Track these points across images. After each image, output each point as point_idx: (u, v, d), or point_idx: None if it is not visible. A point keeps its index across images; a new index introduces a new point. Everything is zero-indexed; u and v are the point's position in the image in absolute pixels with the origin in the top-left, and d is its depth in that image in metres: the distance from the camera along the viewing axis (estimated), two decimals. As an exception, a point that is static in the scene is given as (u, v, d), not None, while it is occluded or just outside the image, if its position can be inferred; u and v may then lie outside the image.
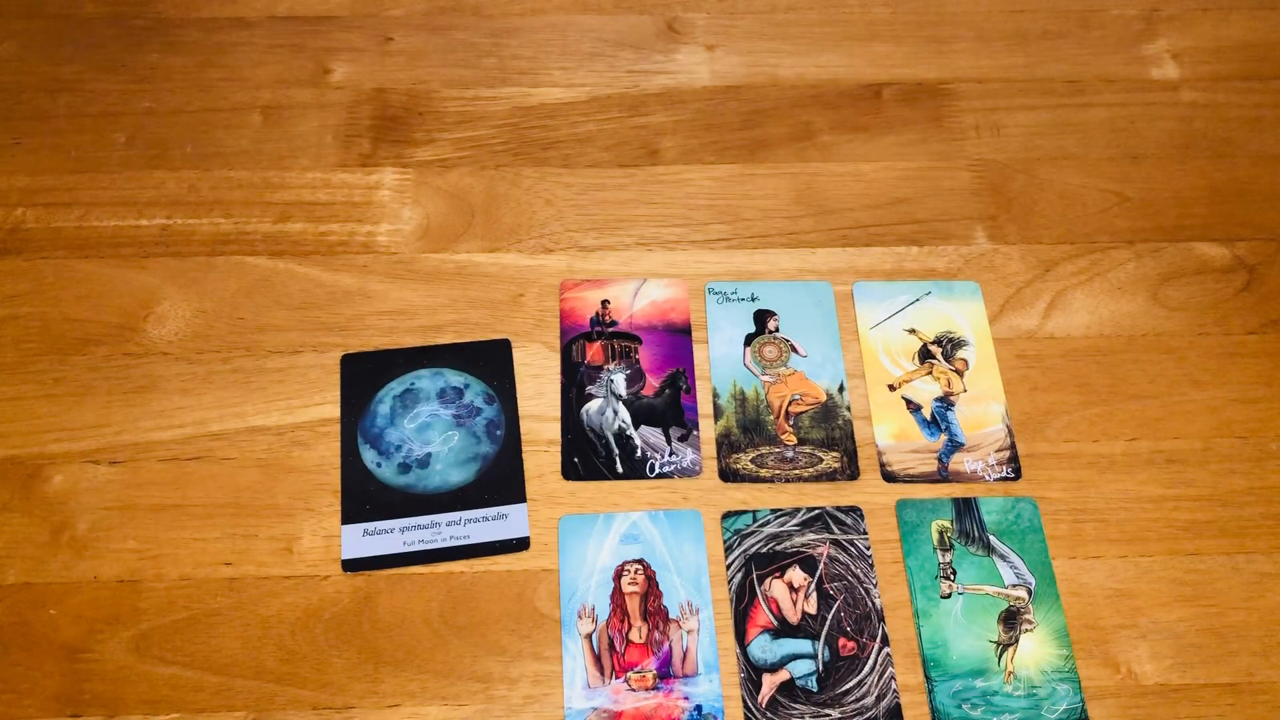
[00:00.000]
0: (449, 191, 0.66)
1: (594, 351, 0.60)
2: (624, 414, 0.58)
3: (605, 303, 0.61)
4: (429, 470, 0.56)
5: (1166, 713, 0.50)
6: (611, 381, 0.59)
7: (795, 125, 0.69)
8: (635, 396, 0.58)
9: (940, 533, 0.55)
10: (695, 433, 0.57)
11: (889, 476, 0.56)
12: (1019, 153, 0.68)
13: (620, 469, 0.56)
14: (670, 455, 0.56)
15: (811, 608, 0.52)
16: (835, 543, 0.54)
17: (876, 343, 0.60)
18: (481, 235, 0.64)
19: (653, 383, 0.59)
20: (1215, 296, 0.63)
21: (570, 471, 0.56)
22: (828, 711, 0.50)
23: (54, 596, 0.52)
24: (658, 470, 0.56)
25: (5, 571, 0.52)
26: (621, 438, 0.57)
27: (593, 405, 0.58)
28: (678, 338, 0.60)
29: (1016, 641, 0.52)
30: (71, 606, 0.52)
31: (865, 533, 0.54)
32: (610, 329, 0.60)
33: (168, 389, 0.58)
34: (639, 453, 0.56)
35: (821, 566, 0.53)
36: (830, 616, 0.52)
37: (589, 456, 0.56)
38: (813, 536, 0.54)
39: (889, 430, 0.58)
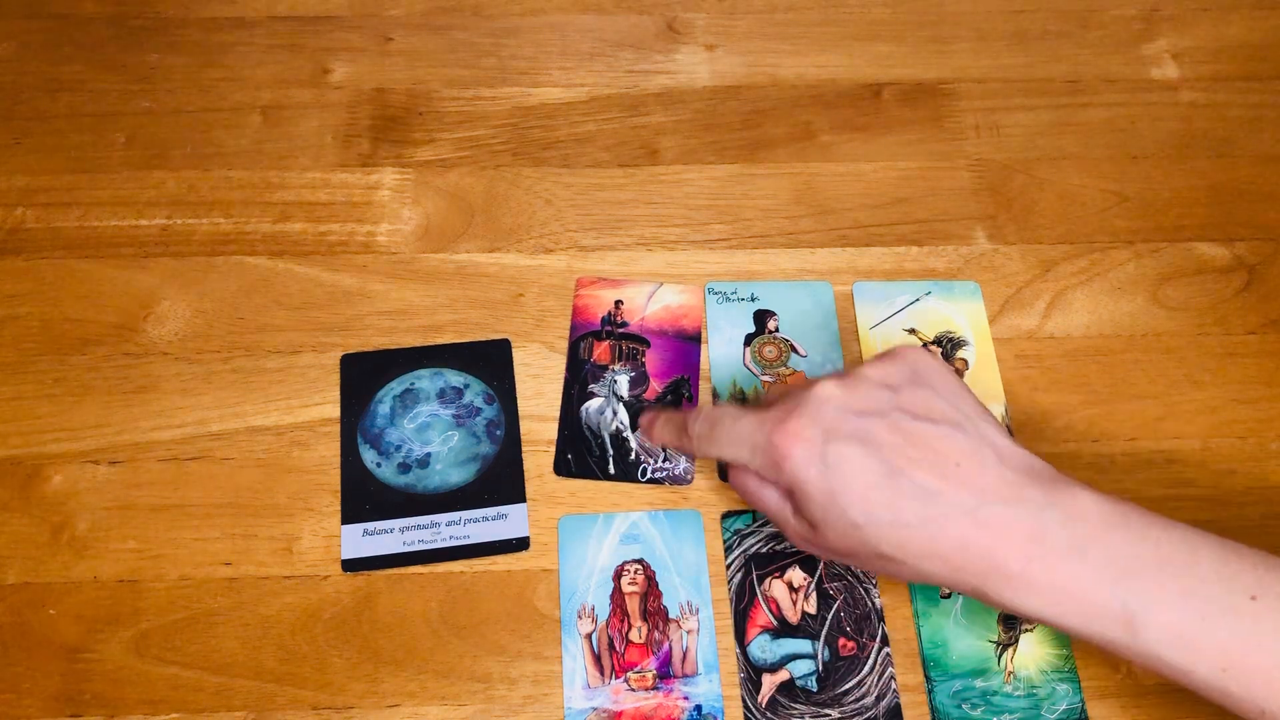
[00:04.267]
0: (449, 191, 0.66)
1: (601, 350, 0.60)
2: (623, 415, 0.58)
3: (619, 303, 0.61)
4: (429, 470, 0.56)
5: (1166, 713, 0.50)
6: (615, 382, 0.59)
7: (795, 125, 0.69)
8: (636, 399, 0.58)
9: (940, 533, 0.54)
10: None
11: (889, 476, 0.56)
12: (1019, 153, 0.68)
13: (613, 470, 0.56)
14: (664, 461, 0.56)
15: (811, 608, 0.52)
16: (835, 543, 0.54)
17: (876, 343, 0.60)
18: (481, 235, 0.64)
19: (656, 387, 0.59)
20: (1215, 296, 0.63)
21: (562, 467, 0.56)
22: (827, 711, 0.50)
23: (54, 596, 0.52)
24: (649, 475, 0.56)
25: (5, 571, 0.53)
26: (617, 439, 0.57)
27: (593, 404, 0.58)
28: (687, 345, 0.60)
29: (1016, 641, 0.52)
30: (71, 606, 0.52)
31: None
32: (621, 329, 0.60)
33: (167, 389, 0.58)
34: (633, 455, 0.56)
35: (821, 566, 0.53)
36: (830, 616, 0.52)
37: (582, 454, 0.56)
38: (812, 536, 0.54)
39: (889, 430, 0.58)
